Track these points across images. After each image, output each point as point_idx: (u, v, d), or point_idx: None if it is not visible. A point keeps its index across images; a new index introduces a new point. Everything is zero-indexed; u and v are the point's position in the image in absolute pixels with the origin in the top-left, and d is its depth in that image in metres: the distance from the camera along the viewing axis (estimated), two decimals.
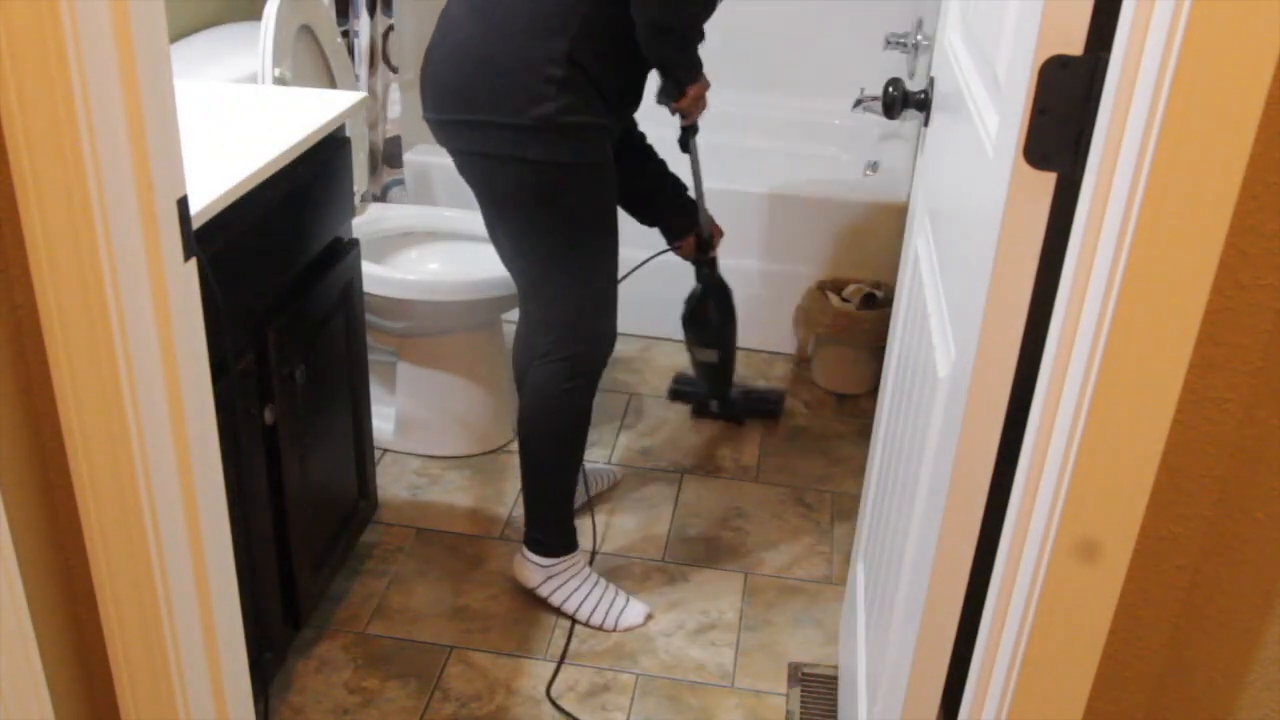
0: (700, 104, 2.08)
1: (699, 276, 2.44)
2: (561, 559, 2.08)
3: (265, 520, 1.68)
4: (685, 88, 1.99)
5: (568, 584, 2.08)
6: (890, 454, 1.49)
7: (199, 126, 1.67)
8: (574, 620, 2.07)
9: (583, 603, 2.07)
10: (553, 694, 1.91)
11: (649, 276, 2.97)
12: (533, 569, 2.09)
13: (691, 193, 2.30)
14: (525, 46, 1.75)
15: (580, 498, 2.33)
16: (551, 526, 2.07)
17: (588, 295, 1.91)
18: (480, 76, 1.78)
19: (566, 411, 1.98)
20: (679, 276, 2.67)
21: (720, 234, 2.41)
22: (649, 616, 2.08)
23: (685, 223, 2.31)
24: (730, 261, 2.89)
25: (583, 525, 2.31)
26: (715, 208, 2.84)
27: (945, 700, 1.14)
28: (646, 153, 2.23)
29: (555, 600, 2.08)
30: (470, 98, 1.80)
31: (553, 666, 1.97)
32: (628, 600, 2.09)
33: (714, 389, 2.66)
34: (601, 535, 2.31)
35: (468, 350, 2.46)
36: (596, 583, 2.10)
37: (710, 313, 2.47)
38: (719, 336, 2.52)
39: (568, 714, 1.87)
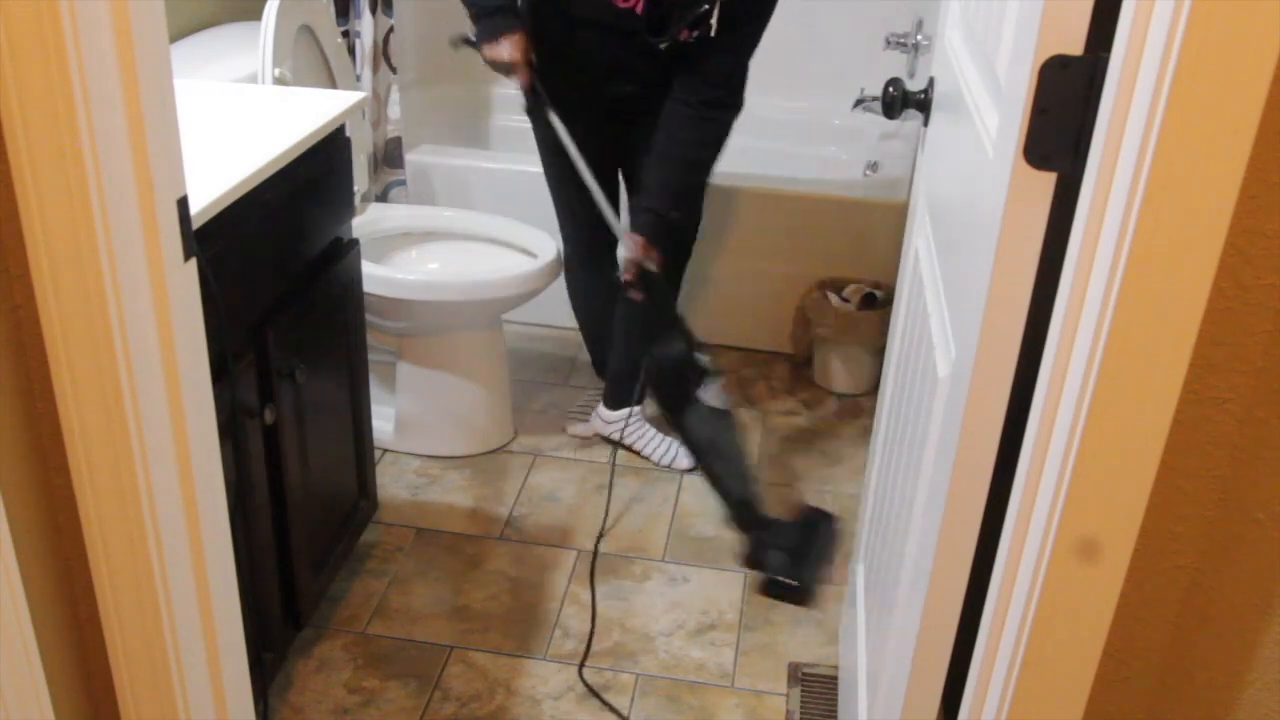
0: (501, 67, 2.13)
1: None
2: (628, 410, 2.49)
3: (265, 520, 1.68)
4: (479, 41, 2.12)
5: (640, 427, 2.51)
6: (890, 454, 1.49)
7: (199, 126, 1.67)
8: (642, 456, 2.49)
9: (650, 440, 2.50)
10: (583, 675, 1.91)
11: None
12: (613, 419, 2.52)
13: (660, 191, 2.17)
14: None
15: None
16: (612, 382, 2.52)
17: (556, 206, 2.43)
18: None
19: (568, 286, 2.55)
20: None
21: (649, 253, 2.14)
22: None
23: (639, 220, 2.17)
24: (731, 260, 2.90)
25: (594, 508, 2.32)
26: (714, 206, 2.84)
27: (945, 700, 1.14)
28: (665, 127, 2.17)
29: (631, 439, 2.51)
30: None
31: (553, 666, 1.97)
32: (678, 448, 2.49)
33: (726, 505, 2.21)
34: (603, 534, 2.31)
35: (468, 350, 2.46)
36: (656, 429, 2.52)
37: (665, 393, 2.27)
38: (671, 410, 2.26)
39: (595, 693, 1.88)
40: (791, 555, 2.16)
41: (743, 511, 2.16)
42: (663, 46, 2.07)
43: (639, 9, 2.04)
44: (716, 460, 2.18)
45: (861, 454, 2.60)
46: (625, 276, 2.18)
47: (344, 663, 1.96)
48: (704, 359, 2.17)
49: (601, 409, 2.56)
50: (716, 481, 2.19)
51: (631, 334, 2.44)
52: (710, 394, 2.16)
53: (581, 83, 2.20)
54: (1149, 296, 0.79)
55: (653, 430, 2.53)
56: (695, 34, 2.05)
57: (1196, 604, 1.01)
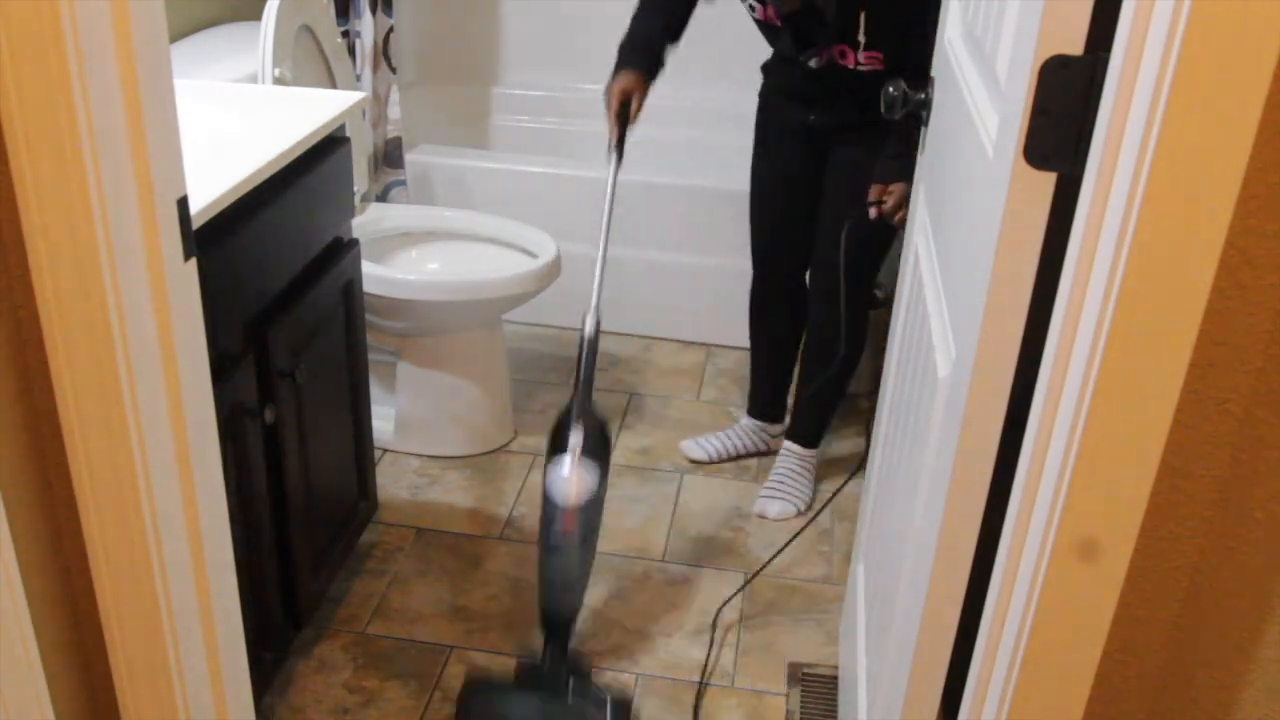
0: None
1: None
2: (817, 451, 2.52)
3: (265, 520, 1.68)
4: None
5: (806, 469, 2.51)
6: (890, 454, 1.49)
7: (199, 126, 1.67)
8: (770, 485, 2.43)
9: (794, 482, 2.44)
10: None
11: (649, 276, 2.97)
12: (808, 455, 2.49)
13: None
14: None
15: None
16: (800, 416, 2.47)
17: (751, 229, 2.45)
18: None
19: (750, 310, 2.53)
20: (676, 276, 2.67)
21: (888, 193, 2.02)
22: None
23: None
24: (730, 261, 2.90)
25: None
26: (713, 206, 2.84)
27: (945, 700, 1.14)
28: (829, 184, 2.23)
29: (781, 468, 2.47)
30: None
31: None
32: (789, 506, 2.43)
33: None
34: (602, 533, 2.30)
35: (468, 350, 2.46)
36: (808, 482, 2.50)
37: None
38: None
39: None
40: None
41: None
42: (813, 64, 2.05)
43: (775, 19, 2.06)
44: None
45: (862, 454, 2.59)
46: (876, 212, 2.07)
47: (344, 663, 1.96)
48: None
49: (793, 444, 2.46)
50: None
51: (819, 370, 2.37)
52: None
53: (782, 113, 2.28)
54: (1149, 296, 0.79)
55: (807, 479, 2.46)
56: (859, 55, 2.01)
57: (1196, 604, 1.01)
